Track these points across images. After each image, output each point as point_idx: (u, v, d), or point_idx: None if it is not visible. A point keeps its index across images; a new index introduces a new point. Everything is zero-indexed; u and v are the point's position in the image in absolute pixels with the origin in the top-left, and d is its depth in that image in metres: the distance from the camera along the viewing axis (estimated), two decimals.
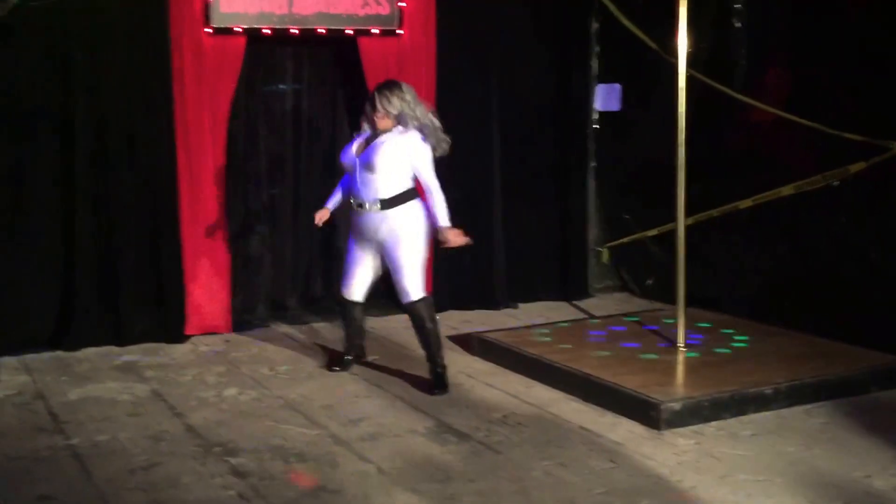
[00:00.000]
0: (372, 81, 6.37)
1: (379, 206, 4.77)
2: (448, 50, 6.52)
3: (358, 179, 4.84)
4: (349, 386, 5.10)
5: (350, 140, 5.11)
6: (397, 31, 6.39)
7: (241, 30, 6.01)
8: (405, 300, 4.85)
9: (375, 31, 6.35)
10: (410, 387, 5.02)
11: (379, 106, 4.75)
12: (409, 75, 6.43)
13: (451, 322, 6.41)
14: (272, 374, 5.34)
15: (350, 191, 4.93)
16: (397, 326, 6.08)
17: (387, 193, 4.77)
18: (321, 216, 5.04)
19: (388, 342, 5.97)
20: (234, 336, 6.15)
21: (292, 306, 6.84)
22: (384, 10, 6.34)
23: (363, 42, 6.35)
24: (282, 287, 6.85)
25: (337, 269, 7.03)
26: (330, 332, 6.22)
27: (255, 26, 6.05)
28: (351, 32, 6.31)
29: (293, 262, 6.88)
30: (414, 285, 4.81)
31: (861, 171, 5.51)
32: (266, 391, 5.00)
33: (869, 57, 5.50)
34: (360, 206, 4.82)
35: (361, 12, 6.28)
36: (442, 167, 4.99)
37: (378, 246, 4.89)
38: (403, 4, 6.37)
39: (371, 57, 6.38)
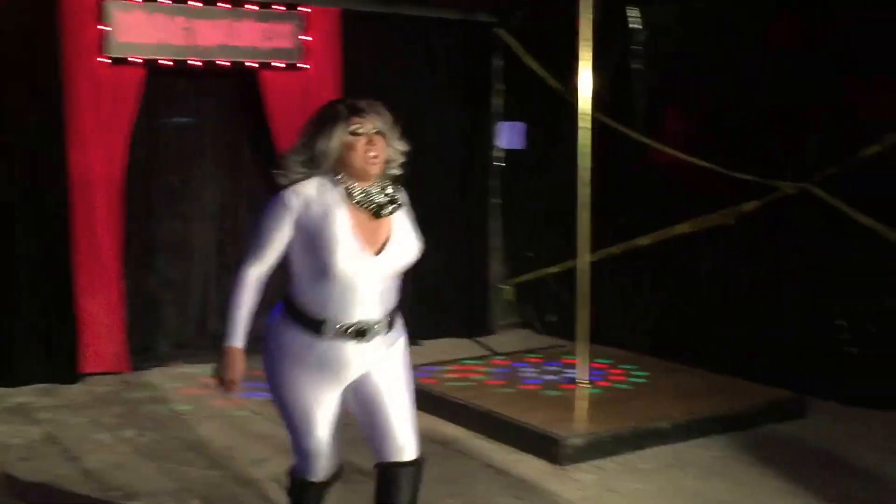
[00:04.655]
0: (275, 115, 6.33)
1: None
2: (353, 84, 6.51)
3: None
4: (253, 426, 4.98)
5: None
6: (301, 65, 6.36)
7: (138, 60, 5.87)
8: (407, 456, 2.95)
9: (279, 64, 6.31)
10: None
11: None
12: (313, 109, 6.39)
13: None
14: (172, 414, 5.19)
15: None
16: None
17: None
18: (238, 370, 2.82)
19: None
20: (132, 375, 5.94)
21: (194, 344, 6.66)
22: (288, 43, 6.31)
23: (266, 75, 6.30)
24: (183, 324, 6.68)
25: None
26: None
27: (154, 57, 5.93)
28: (254, 65, 6.26)
29: (194, 299, 6.72)
30: (416, 433, 3.00)
31: (754, 209, 5.74)
32: (166, 432, 4.85)
33: (758, 101, 5.77)
34: (362, 333, 2.80)
35: (264, 45, 6.24)
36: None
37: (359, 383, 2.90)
38: (308, 38, 6.36)
39: (274, 90, 6.33)
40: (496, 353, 6.60)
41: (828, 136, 5.45)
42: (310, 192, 2.74)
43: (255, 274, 2.78)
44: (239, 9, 6.17)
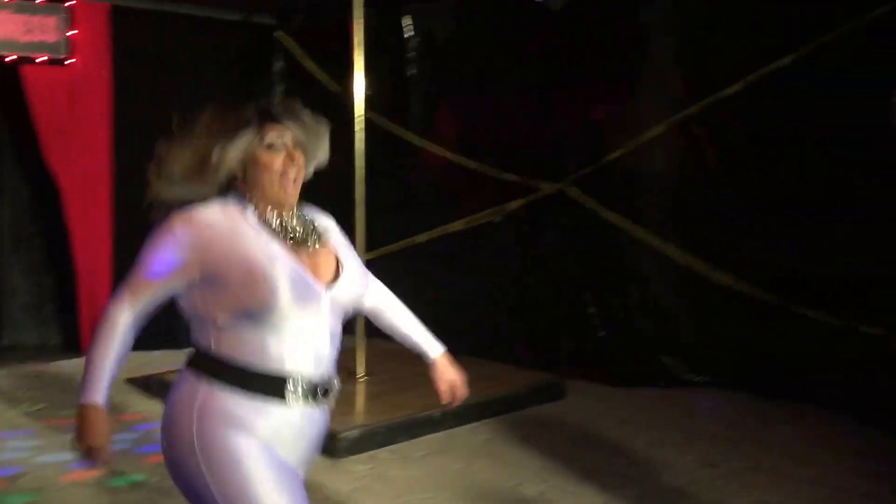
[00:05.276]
0: (39, 111, 6.03)
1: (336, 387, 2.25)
2: (125, 82, 6.32)
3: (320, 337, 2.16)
4: (13, 442, 4.72)
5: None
6: (66, 61, 6.10)
7: None
8: None
9: (41, 59, 6.01)
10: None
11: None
12: (82, 106, 6.17)
13: (131, 364, 6.13)
14: None
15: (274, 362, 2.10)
16: (71, 371, 5.73)
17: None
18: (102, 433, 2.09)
19: (59, 386, 5.62)
20: None
21: None
22: (51, 37, 6.03)
23: (27, 70, 5.99)
24: None
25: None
26: (7, 382, 5.73)
27: None
28: (12, 59, 5.93)
29: None
30: None
31: (519, 208, 6.09)
32: None
33: (521, 107, 6.12)
34: (326, 392, 2.18)
35: (24, 38, 5.93)
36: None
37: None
38: (74, 32, 6.11)
39: (37, 86, 6.04)
40: None
41: (581, 140, 5.89)
42: (212, 219, 2.07)
43: (129, 317, 2.11)
44: None
